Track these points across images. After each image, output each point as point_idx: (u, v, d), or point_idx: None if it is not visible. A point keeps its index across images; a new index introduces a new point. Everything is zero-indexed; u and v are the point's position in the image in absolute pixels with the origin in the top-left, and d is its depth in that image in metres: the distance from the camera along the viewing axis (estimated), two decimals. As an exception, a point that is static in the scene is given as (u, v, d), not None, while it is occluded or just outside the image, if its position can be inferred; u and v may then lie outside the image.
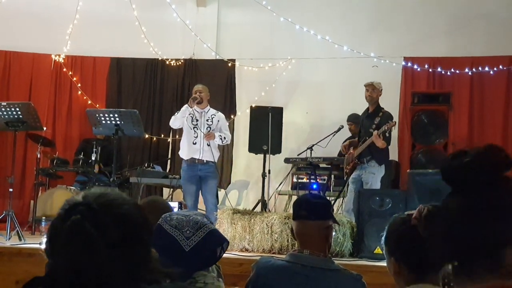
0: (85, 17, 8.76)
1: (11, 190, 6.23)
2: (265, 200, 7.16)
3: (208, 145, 6.71)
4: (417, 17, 8.85)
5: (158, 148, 9.11)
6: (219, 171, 7.85)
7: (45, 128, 7.65)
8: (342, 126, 7.80)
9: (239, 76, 9.18)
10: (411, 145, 7.62)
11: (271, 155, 7.41)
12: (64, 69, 9.15)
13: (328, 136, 7.72)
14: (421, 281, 1.82)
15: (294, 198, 6.85)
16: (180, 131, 7.44)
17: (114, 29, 9.12)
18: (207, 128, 6.77)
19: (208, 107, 6.92)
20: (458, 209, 1.21)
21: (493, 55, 8.39)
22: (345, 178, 6.99)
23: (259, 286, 2.50)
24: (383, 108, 6.77)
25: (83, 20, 8.74)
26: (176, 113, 6.86)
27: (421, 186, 5.64)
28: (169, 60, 9.11)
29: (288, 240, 5.65)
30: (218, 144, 6.96)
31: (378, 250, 5.34)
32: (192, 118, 6.76)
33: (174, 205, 5.93)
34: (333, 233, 2.67)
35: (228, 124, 7.48)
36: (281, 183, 7.69)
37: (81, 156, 7.63)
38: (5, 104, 6.36)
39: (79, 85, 9.12)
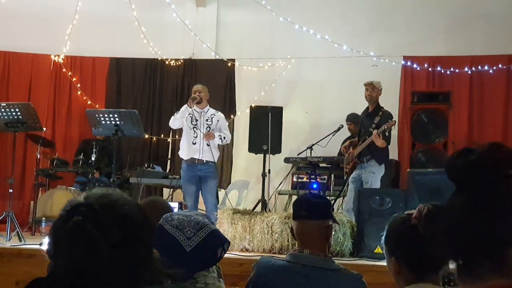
0: (85, 17, 8.75)
1: (11, 191, 6.23)
2: (265, 200, 7.16)
3: (208, 145, 6.71)
4: (417, 16, 8.85)
5: (158, 149, 9.11)
6: (219, 171, 7.85)
7: (44, 129, 7.64)
8: (342, 126, 7.80)
9: (239, 76, 9.18)
10: (411, 144, 7.62)
11: (271, 155, 7.41)
12: (64, 70, 9.15)
13: (328, 135, 7.72)
14: (421, 281, 1.82)
15: (294, 197, 6.85)
16: (180, 131, 7.44)
17: (114, 29, 9.12)
18: (206, 128, 6.77)
19: (208, 107, 6.92)
20: (462, 208, 1.20)
21: (492, 54, 8.39)
22: (345, 178, 6.99)
23: (259, 286, 2.50)
24: (383, 108, 6.76)
25: (83, 20, 8.73)
26: (175, 114, 6.86)
27: (421, 185, 5.64)
28: (169, 60, 9.11)
29: (288, 240, 5.65)
30: (218, 144, 6.96)
31: (378, 250, 5.34)
32: (192, 118, 6.76)
33: (174, 205, 5.93)
34: (333, 233, 2.67)
35: (228, 124, 7.48)
36: (281, 183, 7.69)
37: (81, 156, 7.63)
38: (5, 104, 6.36)
39: (79, 85, 9.12)
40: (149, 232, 1.35)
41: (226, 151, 8.83)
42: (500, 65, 8.29)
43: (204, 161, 6.69)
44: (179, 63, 9.16)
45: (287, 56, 8.97)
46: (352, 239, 5.67)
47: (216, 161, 6.88)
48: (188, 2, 9.42)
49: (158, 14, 9.17)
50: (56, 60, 9.12)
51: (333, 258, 2.62)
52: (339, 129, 7.72)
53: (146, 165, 8.04)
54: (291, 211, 2.70)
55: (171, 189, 7.85)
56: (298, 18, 8.70)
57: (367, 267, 4.92)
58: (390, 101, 7.81)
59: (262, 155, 7.40)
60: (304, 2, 9.15)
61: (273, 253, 5.67)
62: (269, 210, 7.07)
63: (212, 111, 6.92)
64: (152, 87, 9.27)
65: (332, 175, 7.76)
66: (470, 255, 1.19)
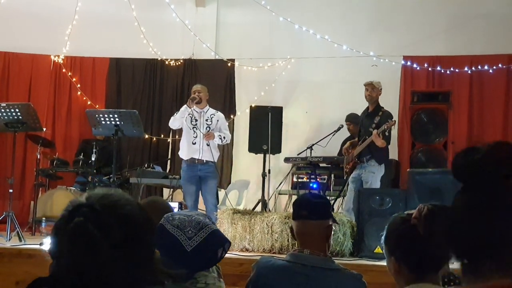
0: (84, 18, 8.75)
1: (11, 191, 6.23)
2: (265, 200, 7.16)
3: (208, 145, 6.71)
4: (417, 16, 8.85)
5: (158, 149, 9.11)
6: (219, 171, 7.85)
7: (44, 129, 7.65)
8: (342, 126, 7.80)
9: (239, 76, 9.18)
10: (411, 144, 7.61)
11: (271, 155, 7.41)
12: (64, 70, 9.16)
13: (328, 135, 7.72)
14: (421, 281, 1.82)
15: (294, 197, 6.85)
16: (180, 131, 7.44)
17: (113, 29, 9.12)
18: (206, 128, 6.77)
19: (207, 107, 6.92)
20: (467, 207, 1.20)
21: (492, 54, 8.39)
22: (345, 178, 6.99)
23: (259, 286, 2.50)
24: (383, 107, 6.76)
25: (82, 20, 8.74)
26: (175, 114, 6.86)
27: (421, 185, 5.64)
28: (169, 60, 9.11)
29: (288, 240, 5.65)
30: (217, 144, 6.96)
31: (378, 250, 5.34)
32: (192, 118, 6.76)
33: (174, 205, 5.93)
34: (333, 233, 2.67)
35: (228, 124, 7.48)
36: (281, 183, 7.69)
37: (81, 157, 7.63)
38: (5, 105, 6.36)
39: (79, 85, 9.12)
40: (151, 232, 1.35)
41: (226, 151, 8.83)
42: (500, 65, 8.29)
43: (204, 161, 6.69)
44: (179, 63, 9.16)
45: (287, 56, 8.97)
46: (352, 239, 5.67)
47: (216, 161, 6.88)
48: (188, 2, 9.43)
49: (158, 14, 9.17)
50: (56, 61, 9.13)
51: (333, 258, 2.62)
52: (339, 129, 7.72)
53: (146, 165, 8.04)
54: (291, 211, 2.70)
55: (171, 189, 7.85)
56: (298, 18, 8.70)
57: (367, 267, 4.92)
58: (390, 101, 7.82)
59: (262, 155, 7.40)
60: (304, 2, 9.15)
61: (273, 253, 5.67)
62: (269, 210, 7.07)
63: (212, 111, 6.92)
64: (152, 87, 9.27)
65: (332, 175, 7.76)
66: (474, 254, 1.18)
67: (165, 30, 9.20)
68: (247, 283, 2.55)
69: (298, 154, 7.84)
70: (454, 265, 2.02)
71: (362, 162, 6.62)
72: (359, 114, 7.23)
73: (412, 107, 7.68)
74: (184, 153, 6.79)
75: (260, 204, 7.20)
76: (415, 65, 8.55)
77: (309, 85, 9.13)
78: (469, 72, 8.39)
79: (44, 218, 7.13)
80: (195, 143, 6.72)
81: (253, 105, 8.17)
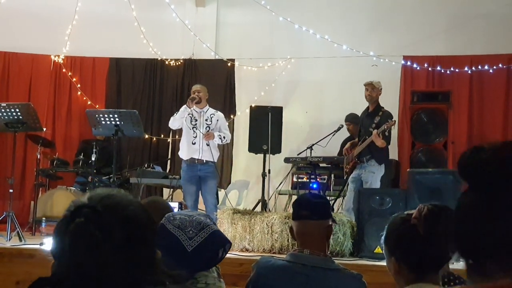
0: (84, 18, 8.76)
1: (11, 191, 6.23)
2: (265, 200, 7.17)
3: (208, 145, 6.71)
4: (417, 16, 8.85)
5: (158, 149, 9.11)
6: (219, 171, 7.85)
7: (44, 129, 7.65)
8: (342, 126, 7.81)
9: (239, 76, 9.18)
10: (411, 144, 7.61)
11: (271, 155, 7.41)
12: (64, 70, 9.15)
13: (328, 135, 7.73)
14: (421, 281, 1.82)
15: (294, 197, 6.85)
16: (179, 131, 7.44)
17: (113, 29, 9.12)
18: (206, 128, 6.77)
19: (207, 106, 6.92)
20: (473, 207, 1.20)
21: (492, 54, 8.39)
22: (345, 178, 6.99)
23: (259, 286, 2.50)
24: (383, 107, 6.76)
25: (82, 20, 8.74)
26: (175, 114, 6.86)
27: (421, 185, 5.64)
28: (169, 60, 9.11)
29: (288, 240, 5.64)
30: (217, 144, 6.96)
31: (378, 250, 5.34)
32: (191, 118, 6.76)
33: (174, 205, 5.93)
34: (333, 233, 2.67)
35: (227, 124, 7.48)
36: (281, 183, 7.69)
37: (81, 157, 7.63)
38: (5, 105, 6.36)
39: (79, 85, 9.12)
40: (153, 233, 1.35)
41: (226, 151, 8.83)
42: (500, 65, 8.29)
43: (204, 161, 6.70)
44: (179, 63, 9.17)
45: (287, 56, 8.97)
46: (352, 239, 5.67)
47: (216, 161, 6.88)
48: (188, 2, 9.43)
49: (158, 14, 9.17)
50: (56, 60, 9.13)
51: (333, 258, 2.62)
52: (339, 129, 7.72)
53: (146, 165, 8.04)
54: (291, 211, 2.69)
55: (171, 189, 7.85)
56: (298, 18, 8.70)
57: (367, 267, 4.92)
58: (390, 101, 7.81)
59: (262, 155, 7.40)
60: (304, 2, 9.15)
61: (273, 253, 5.67)
62: (269, 210, 7.07)
63: (211, 110, 6.92)
64: (152, 87, 9.27)
65: (332, 175, 7.76)
66: (479, 254, 1.18)
67: (165, 30, 9.20)
68: (247, 283, 2.55)
69: (298, 154, 7.84)
70: (454, 265, 2.02)
71: (362, 162, 6.62)
72: (359, 114, 7.22)
73: (412, 107, 7.68)
74: (184, 153, 6.79)
75: (260, 204, 7.21)
76: (415, 65, 8.54)
77: (309, 85, 9.13)
78: (469, 72, 8.39)
79: (44, 218, 7.12)
80: (194, 143, 6.72)
81: (253, 105, 8.18)
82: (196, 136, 6.72)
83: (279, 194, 7.82)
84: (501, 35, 8.48)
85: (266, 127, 7.34)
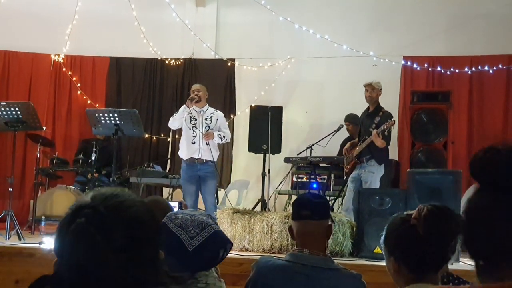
0: (84, 17, 8.75)
1: (10, 190, 6.23)
2: (265, 200, 7.17)
3: (207, 144, 6.70)
4: (417, 16, 8.85)
5: (157, 148, 9.11)
6: (219, 171, 7.85)
7: (44, 128, 7.65)
8: (342, 126, 7.81)
9: (239, 75, 9.18)
10: (410, 144, 7.61)
11: (271, 155, 7.42)
12: (64, 69, 9.15)
13: (328, 135, 7.73)
14: (420, 281, 1.82)
15: (294, 197, 6.85)
16: (179, 130, 7.45)
17: (114, 29, 9.12)
18: (205, 127, 6.76)
19: (207, 106, 6.91)
20: (485, 208, 1.20)
21: (492, 54, 8.39)
22: (345, 178, 6.99)
23: (259, 285, 2.50)
24: (383, 108, 6.76)
25: (82, 20, 8.74)
26: (174, 114, 6.85)
27: (421, 185, 5.64)
28: (169, 59, 9.11)
29: (287, 239, 5.64)
30: (217, 143, 6.95)
31: (377, 250, 5.34)
32: (191, 117, 6.75)
33: (174, 204, 5.93)
34: (332, 232, 2.67)
35: (227, 123, 7.48)
36: (281, 183, 7.69)
37: (81, 156, 7.63)
38: (5, 104, 6.36)
39: (79, 85, 9.12)
40: (156, 233, 1.33)
41: (226, 150, 8.84)
42: (500, 65, 8.29)
43: (204, 161, 6.69)
44: (179, 62, 9.17)
45: (287, 56, 8.97)
46: (351, 239, 5.67)
47: (215, 160, 6.87)
48: (188, 2, 9.43)
49: (158, 14, 9.17)
50: (56, 60, 9.13)
51: (332, 258, 2.62)
52: (339, 129, 7.72)
53: (146, 165, 8.04)
54: (291, 211, 2.69)
55: (171, 189, 7.85)
56: (298, 18, 8.70)
57: (366, 267, 4.92)
58: (390, 101, 7.81)
59: (262, 155, 7.41)
60: (304, 2, 9.15)
61: (273, 252, 5.67)
62: (269, 210, 7.08)
63: (211, 110, 6.91)
64: (152, 87, 9.27)
65: (332, 175, 7.77)
66: (491, 255, 1.18)
67: (165, 29, 9.20)
68: (247, 282, 2.55)
69: (298, 154, 7.84)
70: (453, 265, 2.02)
71: (362, 162, 6.62)
72: (359, 114, 7.22)
73: (412, 107, 7.68)
74: (183, 153, 6.79)
75: (259, 204, 7.21)
76: (415, 65, 8.55)
77: (309, 85, 9.13)
78: (469, 72, 8.39)
79: (43, 217, 7.12)
80: (194, 142, 6.71)
81: (253, 105, 8.18)
82: (195, 136, 6.72)
83: (279, 194, 7.82)
84: (501, 35, 8.48)
85: (266, 127, 7.34)
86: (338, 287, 2.47)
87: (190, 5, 9.42)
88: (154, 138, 9.03)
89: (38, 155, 7.51)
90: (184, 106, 6.73)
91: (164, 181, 7.85)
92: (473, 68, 8.38)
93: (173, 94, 9.19)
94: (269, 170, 7.37)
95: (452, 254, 1.83)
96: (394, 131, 7.19)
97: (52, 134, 8.88)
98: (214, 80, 8.88)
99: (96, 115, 6.60)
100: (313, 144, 7.67)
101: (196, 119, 6.77)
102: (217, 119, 6.86)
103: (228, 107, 8.95)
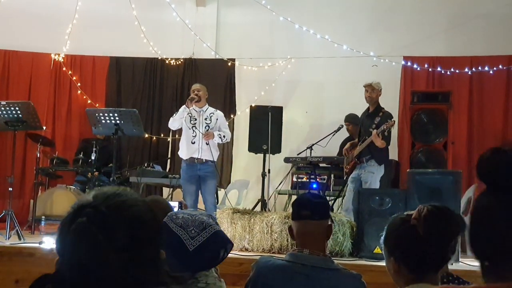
0: (85, 17, 8.76)
1: (10, 189, 6.23)
2: (265, 200, 7.17)
3: (207, 144, 6.70)
4: (417, 16, 8.85)
5: (157, 148, 9.11)
6: (219, 171, 7.85)
7: (44, 128, 7.65)
8: (342, 126, 7.81)
9: (239, 75, 9.18)
10: (411, 144, 7.62)
11: (271, 155, 7.42)
12: (64, 69, 9.16)
13: (328, 135, 7.73)
14: (420, 281, 1.82)
15: (294, 197, 6.85)
16: (180, 130, 7.45)
17: (114, 28, 9.12)
18: (205, 127, 6.76)
19: (207, 105, 6.91)
20: (492, 209, 1.20)
21: (492, 55, 8.39)
22: (345, 178, 6.99)
23: (259, 285, 2.50)
24: (383, 108, 6.76)
25: (83, 19, 8.74)
26: (174, 115, 6.84)
27: (421, 186, 5.64)
28: (169, 59, 9.11)
29: (287, 239, 5.65)
30: (217, 143, 6.95)
31: (377, 250, 5.34)
32: (191, 117, 6.75)
33: (174, 204, 5.93)
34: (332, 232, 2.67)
35: (227, 123, 7.48)
36: (281, 183, 7.69)
37: (81, 155, 7.63)
38: (5, 103, 6.36)
39: (79, 84, 9.12)
40: (157, 233, 1.32)
41: (226, 150, 8.84)
42: (500, 66, 8.29)
43: (204, 160, 6.69)
44: (179, 62, 9.17)
45: (287, 56, 8.98)
46: (351, 239, 5.67)
47: (215, 160, 6.87)
48: (188, 2, 9.43)
49: (158, 13, 9.17)
50: (56, 59, 9.13)
51: (332, 258, 2.62)
52: (339, 129, 7.72)
53: (146, 165, 8.04)
54: (291, 211, 2.69)
55: (171, 189, 7.85)
56: (298, 18, 8.70)
57: (366, 267, 4.92)
58: (390, 101, 7.82)
59: (262, 154, 7.41)
60: (304, 2, 9.16)
61: (273, 252, 5.67)
62: (269, 209, 7.08)
63: (211, 109, 6.91)
64: (152, 87, 9.27)
65: (332, 175, 7.77)
66: (497, 256, 1.18)
67: (165, 29, 9.21)
68: (247, 282, 2.55)
69: (298, 154, 7.84)
70: (453, 265, 2.02)
71: (362, 162, 6.62)
72: (359, 114, 7.22)
73: (412, 107, 7.68)
74: (183, 153, 6.79)
75: (259, 204, 7.21)
76: (415, 66, 8.55)
77: (309, 85, 9.13)
78: (469, 72, 8.39)
79: (43, 217, 7.12)
80: (194, 142, 6.71)
81: (253, 105, 8.18)
82: (195, 136, 6.72)
83: (279, 194, 7.83)
84: (501, 35, 8.48)
85: (266, 127, 7.34)
86: (338, 287, 2.48)
87: (190, 5, 9.42)
88: (154, 138, 9.03)
89: (38, 154, 7.51)
90: (184, 106, 6.72)
91: (164, 181, 7.85)
92: (473, 69, 8.38)
93: (173, 94, 9.19)
94: (269, 170, 7.37)
95: (452, 254, 1.84)
96: (394, 131, 7.19)
97: (52, 133, 8.89)
98: (214, 80, 8.88)
99: (96, 114, 6.60)
100: (313, 144, 7.67)
101: (196, 119, 6.76)
102: (216, 119, 6.85)
103: (228, 107, 8.95)
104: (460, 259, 5.17)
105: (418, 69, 8.56)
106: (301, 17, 8.76)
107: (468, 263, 4.94)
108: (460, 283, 2.12)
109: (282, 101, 8.65)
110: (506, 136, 8.22)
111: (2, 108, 6.26)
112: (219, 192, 7.76)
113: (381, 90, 6.76)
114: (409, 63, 8.57)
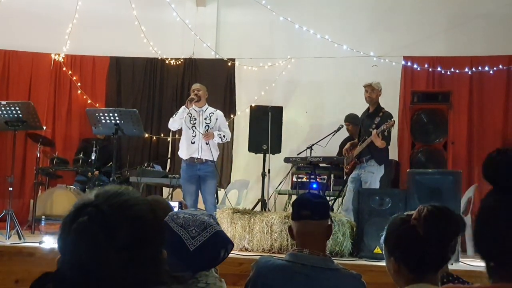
0: (85, 17, 8.76)
1: (11, 189, 6.23)
2: (265, 200, 7.17)
3: (207, 144, 6.70)
4: (417, 16, 8.85)
5: (157, 148, 9.11)
6: (219, 171, 7.85)
7: (44, 128, 7.65)
8: (342, 126, 7.81)
9: (239, 75, 9.18)
10: (411, 144, 7.62)
11: (270, 155, 7.42)
12: (64, 68, 9.16)
13: (328, 135, 7.73)
14: (420, 281, 1.82)
15: (294, 197, 6.85)
16: (179, 130, 7.45)
17: (114, 28, 9.12)
18: (205, 127, 6.76)
19: (206, 105, 6.91)
20: (498, 209, 1.20)
21: (492, 55, 8.39)
22: (344, 178, 6.99)
23: (259, 285, 2.50)
24: (383, 108, 6.76)
25: (83, 19, 8.74)
26: (174, 115, 6.84)
27: (421, 186, 5.65)
28: (169, 59, 9.11)
29: (287, 239, 5.65)
30: (217, 143, 6.95)
31: (377, 250, 5.35)
32: (190, 117, 6.75)
33: (174, 204, 5.93)
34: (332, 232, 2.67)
35: (227, 123, 7.48)
36: (281, 183, 7.70)
37: (81, 155, 7.63)
38: (5, 103, 6.36)
39: (79, 84, 9.13)
40: (158, 233, 1.32)
41: (226, 150, 8.84)
42: (500, 66, 8.29)
43: (204, 160, 6.69)
44: (179, 62, 9.17)
45: (287, 56, 8.98)
46: (351, 239, 5.67)
47: (215, 160, 6.87)
48: (188, 2, 9.43)
49: (158, 13, 9.17)
50: (56, 59, 9.13)
51: (332, 258, 2.62)
52: (339, 129, 7.72)
53: (146, 164, 8.04)
54: (291, 211, 2.69)
55: (171, 189, 7.85)
56: (298, 18, 8.70)
57: (366, 267, 4.92)
58: (390, 101, 7.82)
59: (262, 154, 7.41)
60: (304, 2, 9.16)
61: (273, 252, 5.67)
62: (269, 209, 7.08)
63: (211, 109, 6.91)
64: (152, 86, 9.27)
65: (332, 175, 7.77)
66: (503, 257, 1.18)
67: (165, 29, 9.21)
68: (247, 282, 2.55)
69: (298, 154, 7.84)
70: (453, 265, 2.02)
71: (362, 162, 6.62)
72: (359, 114, 7.22)
73: (412, 107, 7.68)
74: (183, 153, 6.79)
75: (259, 204, 7.21)
76: (415, 66, 8.55)
77: (309, 85, 9.13)
78: (469, 72, 8.39)
79: (43, 217, 7.12)
80: (194, 142, 6.71)
81: (253, 105, 8.18)
82: (195, 136, 6.72)
83: (279, 194, 7.83)
84: (501, 35, 8.48)
85: (266, 127, 7.34)
86: (338, 287, 2.48)
87: (190, 4, 9.42)
88: (154, 137, 9.03)
89: (38, 154, 7.51)
90: (183, 107, 6.72)
91: (164, 181, 7.85)
92: (473, 69, 8.38)
93: (173, 94, 9.19)
94: (269, 170, 7.37)
95: (452, 254, 1.84)
96: (394, 132, 7.19)
97: (52, 133, 8.89)
98: (214, 80, 8.88)
99: (96, 114, 6.60)
100: (313, 144, 7.67)
101: (195, 119, 6.77)
102: (216, 119, 6.85)
103: (228, 107, 8.95)
104: (460, 259, 5.17)
105: (418, 69, 8.56)
106: (301, 17, 8.76)
107: (468, 263, 4.95)
108: (460, 283, 2.12)
109: (282, 101, 8.65)
110: (506, 136, 8.22)
111: (2, 108, 6.27)
112: (219, 192, 7.76)
113: (381, 90, 6.76)
114: (409, 63, 8.57)
